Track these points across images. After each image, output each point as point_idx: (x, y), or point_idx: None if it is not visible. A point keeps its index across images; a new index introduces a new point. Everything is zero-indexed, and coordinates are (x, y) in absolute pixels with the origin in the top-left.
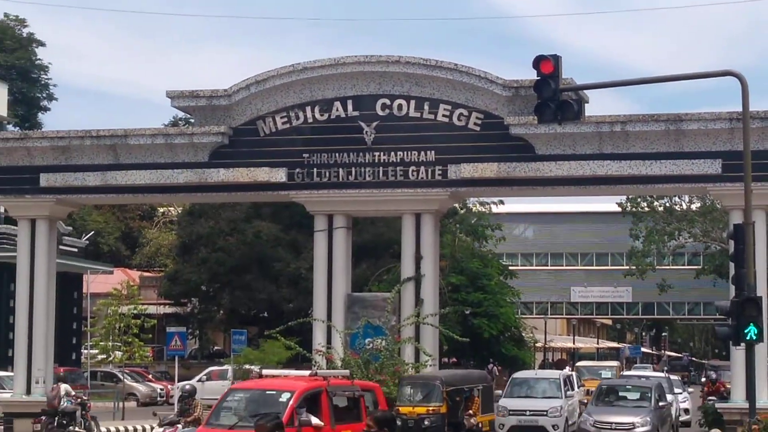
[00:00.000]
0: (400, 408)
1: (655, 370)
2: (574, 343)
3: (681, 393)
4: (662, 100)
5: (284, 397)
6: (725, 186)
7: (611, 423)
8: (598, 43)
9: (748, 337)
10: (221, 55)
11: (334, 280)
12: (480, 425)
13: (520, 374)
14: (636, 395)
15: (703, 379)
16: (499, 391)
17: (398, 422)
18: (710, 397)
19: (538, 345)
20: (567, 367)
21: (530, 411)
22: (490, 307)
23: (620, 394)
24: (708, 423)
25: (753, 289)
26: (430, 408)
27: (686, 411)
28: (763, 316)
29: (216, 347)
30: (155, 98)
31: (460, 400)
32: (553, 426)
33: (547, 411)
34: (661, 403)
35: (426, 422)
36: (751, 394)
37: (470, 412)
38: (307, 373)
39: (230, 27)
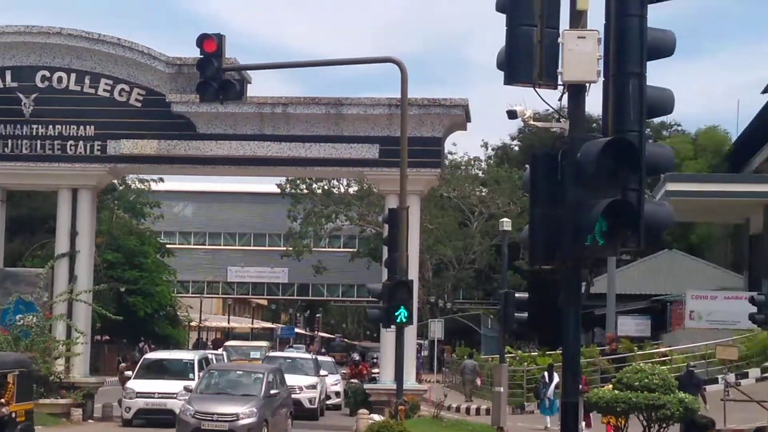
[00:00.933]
0: None
1: (310, 351)
2: (229, 323)
3: (330, 375)
4: (329, 86)
5: None
6: (382, 171)
7: (213, 414)
8: (265, 24)
9: (398, 320)
10: None
11: None
12: (14, 415)
13: (151, 355)
14: (248, 382)
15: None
16: (129, 373)
17: None
18: (353, 380)
19: (192, 324)
20: (221, 348)
21: (159, 393)
22: (146, 285)
23: (229, 381)
24: (354, 404)
25: (405, 272)
26: None
27: (337, 394)
28: (414, 300)
29: None
30: None
31: None
32: None
33: (176, 394)
34: (273, 392)
35: None
36: (399, 375)
37: (2, 401)
38: None
39: None
